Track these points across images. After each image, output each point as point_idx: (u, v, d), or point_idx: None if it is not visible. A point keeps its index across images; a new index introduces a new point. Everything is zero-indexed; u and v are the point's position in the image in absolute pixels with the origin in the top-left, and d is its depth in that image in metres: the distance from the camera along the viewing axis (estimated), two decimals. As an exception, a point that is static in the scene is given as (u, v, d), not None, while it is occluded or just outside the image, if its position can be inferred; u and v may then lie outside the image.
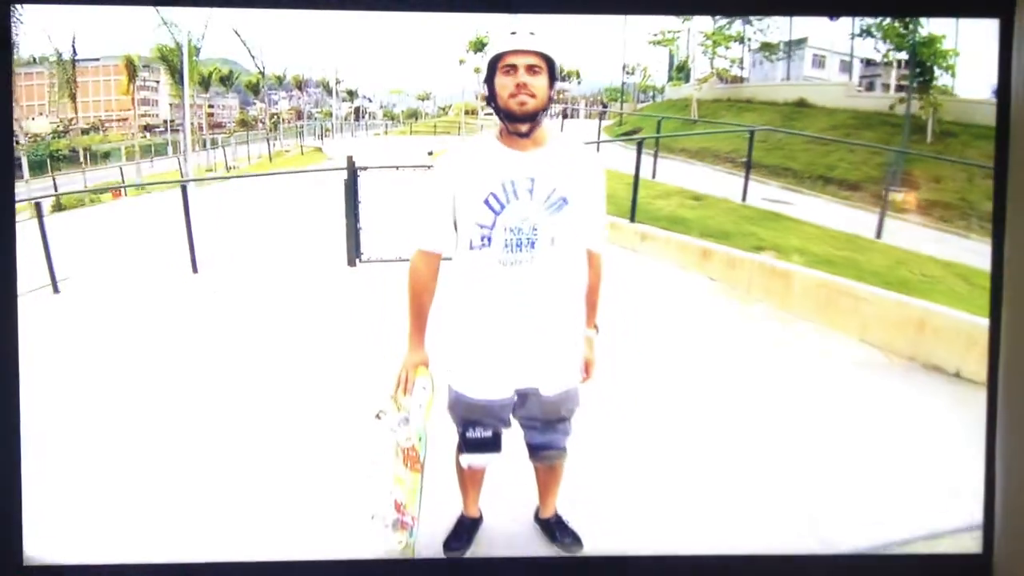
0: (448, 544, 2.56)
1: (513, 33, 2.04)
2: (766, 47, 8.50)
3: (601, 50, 8.36)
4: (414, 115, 8.34)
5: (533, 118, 2.06)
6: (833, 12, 4.98)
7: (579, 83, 9.43)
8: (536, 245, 2.11)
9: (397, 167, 5.55)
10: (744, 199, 6.26)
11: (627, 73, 9.14)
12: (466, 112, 8.28)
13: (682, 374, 3.77)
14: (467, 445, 2.28)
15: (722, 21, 8.52)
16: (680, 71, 9.13)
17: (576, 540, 2.59)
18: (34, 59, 7.34)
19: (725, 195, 6.21)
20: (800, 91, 8.41)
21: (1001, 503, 2.83)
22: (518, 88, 2.03)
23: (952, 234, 6.03)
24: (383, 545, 2.29)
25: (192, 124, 7.23)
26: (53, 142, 7.02)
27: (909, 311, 4.12)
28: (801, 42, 8.47)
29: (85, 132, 7.28)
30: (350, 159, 5.45)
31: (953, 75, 7.49)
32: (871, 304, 4.26)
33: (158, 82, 7.51)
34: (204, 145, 7.52)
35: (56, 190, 6.68)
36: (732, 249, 5.01)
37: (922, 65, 7.68)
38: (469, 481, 2.52)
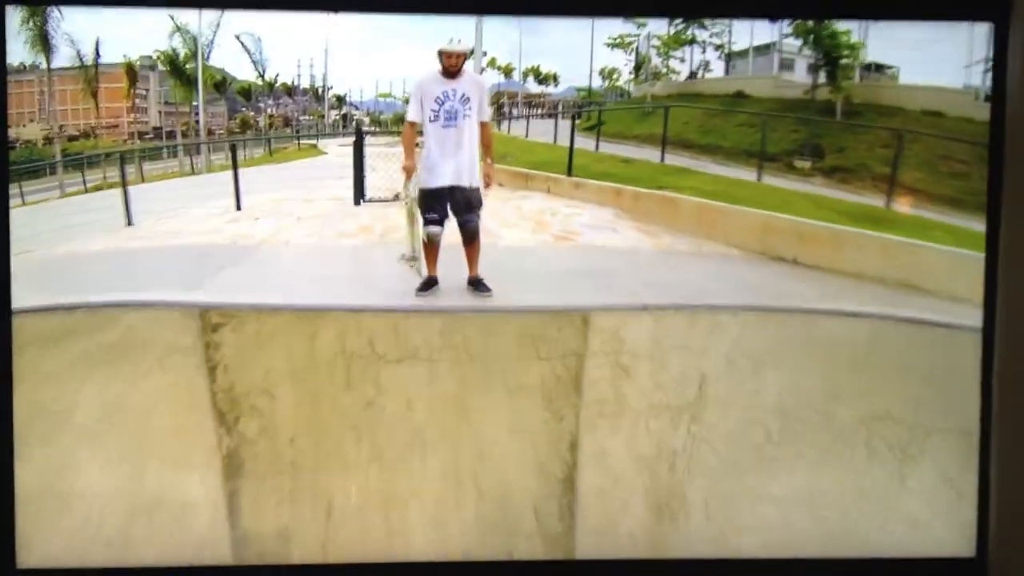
0: (418, 291, 4.65)
1: (451, 40, 4.48)
2: (736, 55, 10.01)
3: (578, 55, 9.77)
4: (401, 121, 9.76)
5: (456, 73, 4.55)
6: (823, 17, 5.72)
7: (556, 87, 10.79)
8: (457, 118, 4.58)
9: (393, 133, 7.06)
10: (662, 160, 7.71)
11: (602, 77, 10.59)
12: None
13: (601, 264, 5.27)
14: (426, 222, 4.67)
15: (680, 25, 9.99)
16: (639, 70, 10.68)
17: (487, 290, 4.63)
18: (24, 66, 7.20)
19: (650, 159, 7.69)
20: (739, 84, 9.88)
21: (995, 506, 2.83)
22: (450, 61, 4.51)
23: (841, 190, 7.31)
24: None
25: (183, 130, 7.57)
26: (48, 148, 7.17)
27: (757, 218, 5.54)
28: (768, 47, 9.92)
29: (73, 139, 7.43)
30: (358, 123, 7.02)
31: (858, 63, 8.92)
32: (731, 217, 5.69)
33: (147, 90, 7.65)
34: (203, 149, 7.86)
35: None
36: (639, 188, 6.49)
37: (828, 56, 9.10)
38: (429, 251, 4.71)
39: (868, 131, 8.68)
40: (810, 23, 8.75)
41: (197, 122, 7.45)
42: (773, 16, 6.43)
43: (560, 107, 10.71)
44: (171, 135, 7.70)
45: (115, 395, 3.40)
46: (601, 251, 5.62)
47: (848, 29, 9.06)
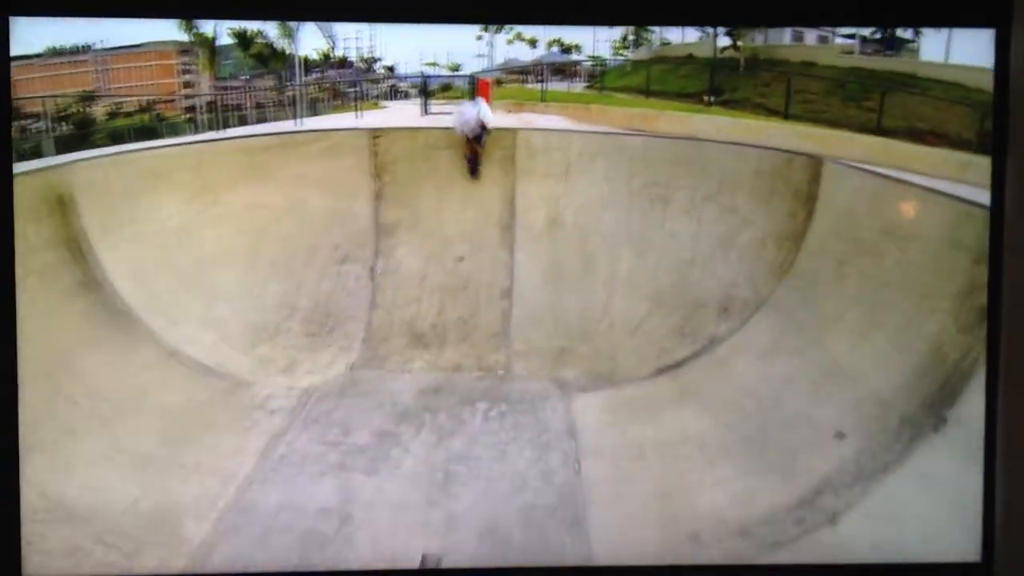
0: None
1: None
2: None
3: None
4: (447, 88, 11.63)
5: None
6: (830, 23, 5.41)
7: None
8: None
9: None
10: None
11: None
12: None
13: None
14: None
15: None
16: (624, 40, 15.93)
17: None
18: (79, 48, 7.78)
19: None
20: (689, 49, 15.01)
21: (1001, 512, 2.86)
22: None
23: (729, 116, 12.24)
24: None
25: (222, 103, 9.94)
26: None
27: (622, 112, 10.67)
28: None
29: (128, 116, 8.47)
30: (424, 82, 12.47)
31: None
32: (611, 112, 10.87)
33: (199, 66, 8.52)
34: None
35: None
36: (577, 104, 11.73)
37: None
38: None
39: (753, 76, 13.76)
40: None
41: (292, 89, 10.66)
42: (775, 24, 6.09)
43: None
44: (225, 107, 9.53)
45: (333, 166, 8.99)
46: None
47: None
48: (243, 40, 9.26)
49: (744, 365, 6.41)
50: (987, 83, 3.83)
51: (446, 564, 4.61)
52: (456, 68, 10.31)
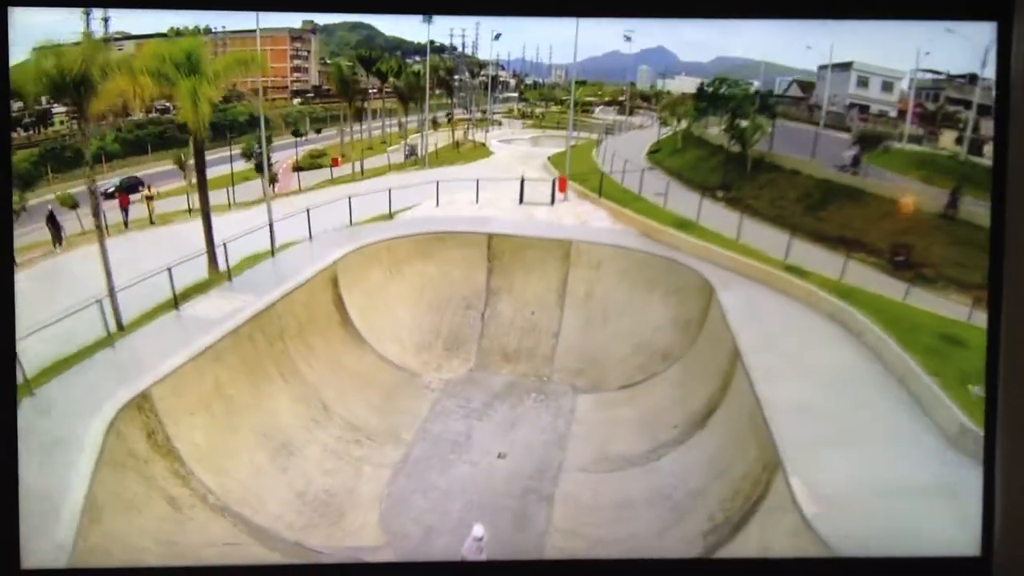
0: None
1: None
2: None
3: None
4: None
5: None
6: (834, 16, 5.34)
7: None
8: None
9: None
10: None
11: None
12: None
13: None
14: None
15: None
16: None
17: None
18: (198, 30, 10.39)
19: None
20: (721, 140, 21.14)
21: (1001, 506, 3.00)
22: None
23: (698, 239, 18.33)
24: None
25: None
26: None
27: (650, 221, 17.19)
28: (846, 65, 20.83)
29: (239, 99, 13.11)
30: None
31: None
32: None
33: (308, 51, 10.82)
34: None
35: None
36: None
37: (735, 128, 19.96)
38: None
39: (754, 178, 19.59)
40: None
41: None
42: (780, 16, 5.95)
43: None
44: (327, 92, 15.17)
45: (465, 252, 16.00)
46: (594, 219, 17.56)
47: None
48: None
49: (663, 389, 12.90)
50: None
51: (508, 461, 11.36)
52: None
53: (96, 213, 11.25)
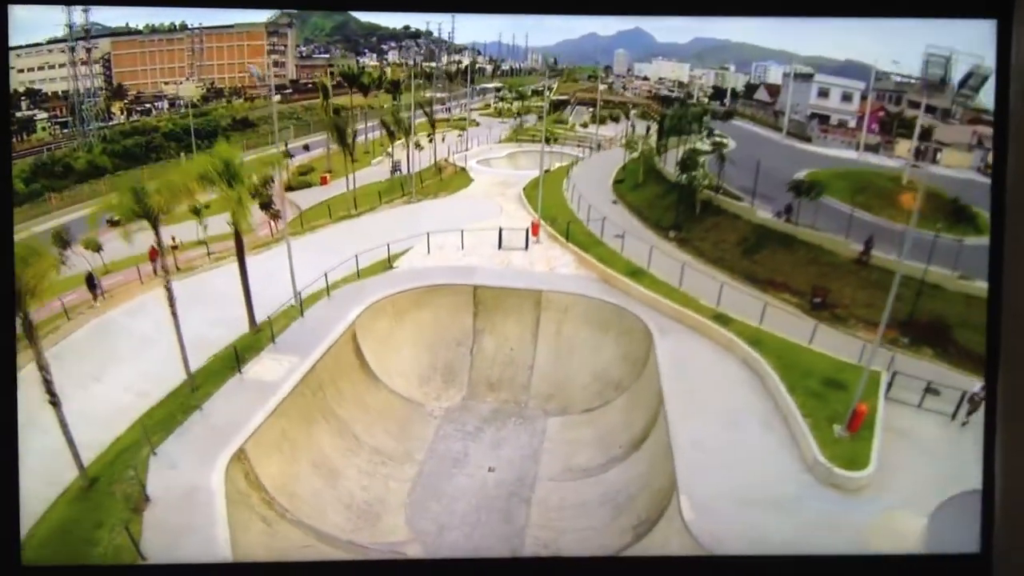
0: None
1: None
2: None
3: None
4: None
5: None
6: (835, 15, 5.39)
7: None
8: None
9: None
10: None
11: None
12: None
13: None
14: None
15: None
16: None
17: None
18: (174, 26, 10.58)
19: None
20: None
21: (1000, 504, 3.08)
22: None
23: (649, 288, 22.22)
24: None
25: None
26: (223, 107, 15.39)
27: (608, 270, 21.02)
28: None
29: (227, 100, 13.73)
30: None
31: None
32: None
33: (285, 45, 12.15)
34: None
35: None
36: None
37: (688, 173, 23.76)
38: None
39: (703, 220, 23.43)
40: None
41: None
42: (783, 14, 6.06)
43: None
44: (305, 86, 17.26)
45: (454, 299, 19.82)
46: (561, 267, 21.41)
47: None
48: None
49: (614, 415, 16.96)
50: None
51: (496, 473, 15.35)
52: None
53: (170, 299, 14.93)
